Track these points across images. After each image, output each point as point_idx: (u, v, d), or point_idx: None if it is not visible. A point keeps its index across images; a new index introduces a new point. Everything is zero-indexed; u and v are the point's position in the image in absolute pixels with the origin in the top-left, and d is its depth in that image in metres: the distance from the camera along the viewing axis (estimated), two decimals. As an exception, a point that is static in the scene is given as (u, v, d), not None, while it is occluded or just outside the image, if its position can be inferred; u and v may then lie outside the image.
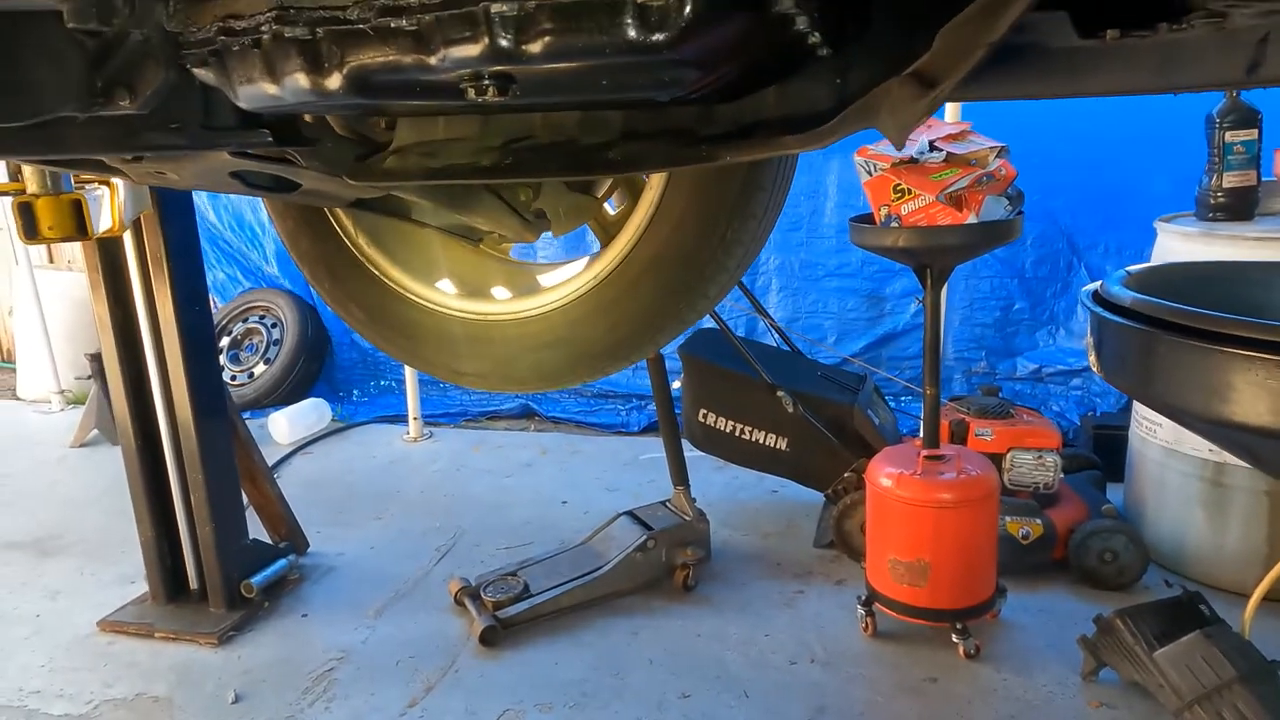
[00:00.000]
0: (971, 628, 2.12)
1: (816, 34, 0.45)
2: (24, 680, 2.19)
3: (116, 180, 1.54)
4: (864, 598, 2.23)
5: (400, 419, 4.01)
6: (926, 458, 2.10)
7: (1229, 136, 2.31)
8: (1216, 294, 0.90)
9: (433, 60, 0.36)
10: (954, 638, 2.11)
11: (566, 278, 1.10)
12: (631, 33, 0.34)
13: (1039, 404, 3.58)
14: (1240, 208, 2.35)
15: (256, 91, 0.42)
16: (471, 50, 0.35)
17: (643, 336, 1.03)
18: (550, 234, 1.18)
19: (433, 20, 0.35)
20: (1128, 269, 0.89)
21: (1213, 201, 2.38)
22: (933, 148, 1.91)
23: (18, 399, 4.78)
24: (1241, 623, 1.90)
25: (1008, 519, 2.38)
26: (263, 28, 0.37)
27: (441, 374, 1.19)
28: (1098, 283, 0.85)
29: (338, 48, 0.38)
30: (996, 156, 1.91)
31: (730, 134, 0.58)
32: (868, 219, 2.06)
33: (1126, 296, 0.76)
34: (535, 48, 0.34)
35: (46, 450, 3.95)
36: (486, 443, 3.84)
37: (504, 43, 0.34)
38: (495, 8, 0.35)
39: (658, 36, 0.34)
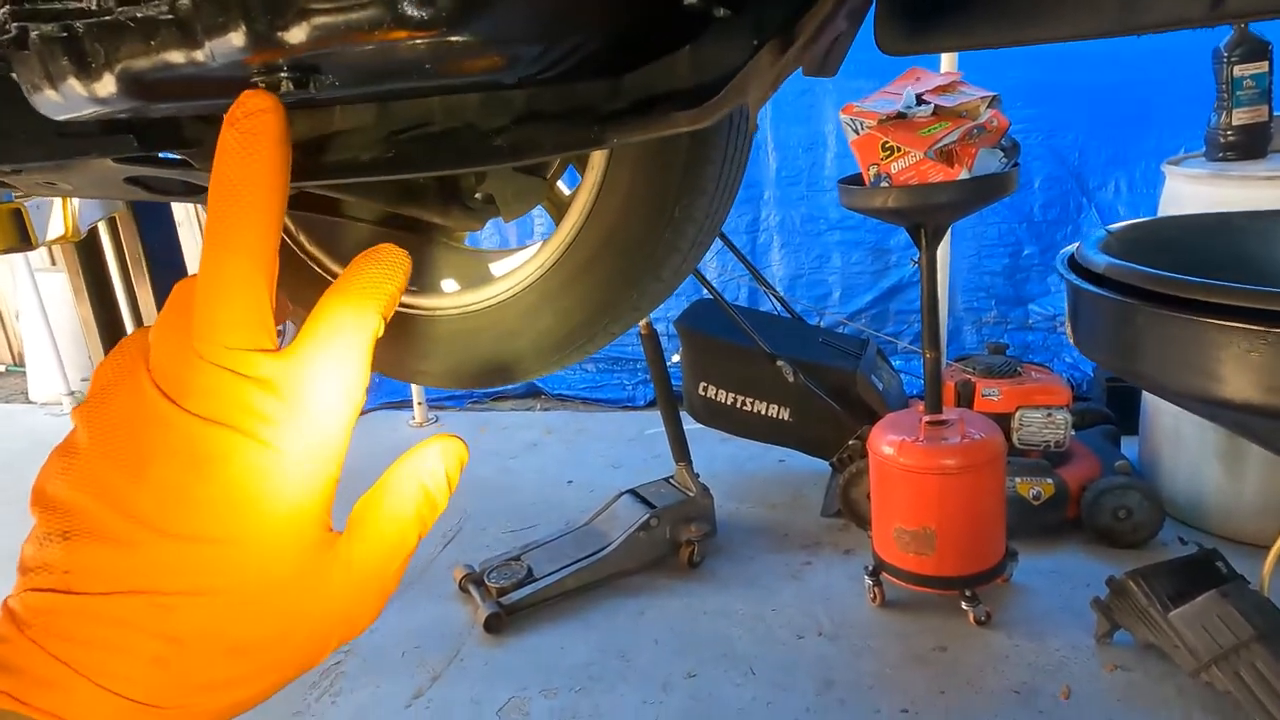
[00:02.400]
0: (982, 593, 2.08)
1: None
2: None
3: (70, 184, 1.49)
4: (871, 568, 2.19)
5: (406, 404, 4.00)
6: (929, 423, 2.05)
7: (1238, 71, 2.20)
8: (1207, 249, 0.83)
9: (200, 55, 0.31)
10: (963, 605, 2.07)
11: (517, 265, 1.04)
12: (408, 9, 0.29)
13: (1051, 355, 3.49)
14: (1252, 145, 2.24)
15: (44, 100, 0.37)
16: (234, 40, 0.30)
17: (595, 325, 0.97)
18: (501, 220, 1.12)
19: (189, 6, 0.30)
20: (1108, 228, 0.82)
21: (1223, 140, 2.27)
22: (920, 101, 1.82)
23: (30, 402, 4.82)
24: (1260, 578, 1.84)
25: (1018, 480, 2.32)
26: (9, 26, 0.33)
27: (394, 373, 1.14)
28: (1075, 245, 0.78)
29: (100, 45, 0.33)
30: (988, 107, 1.82)
31: (628, 111, 0.52)
32: (858, 179, 1.98)
33: (1101, 262, 0.69)
34: (298, 36, 0.29)
35: (59, 453, 3.97)
36: (492, 424, 3.82)
37: (260, 28, 0.29)
38: None
39: (424, 14, 0.29)
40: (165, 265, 2.24)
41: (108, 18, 0.31)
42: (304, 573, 0.31)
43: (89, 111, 0.36)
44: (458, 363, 1.09)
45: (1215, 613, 1.71)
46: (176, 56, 0.32)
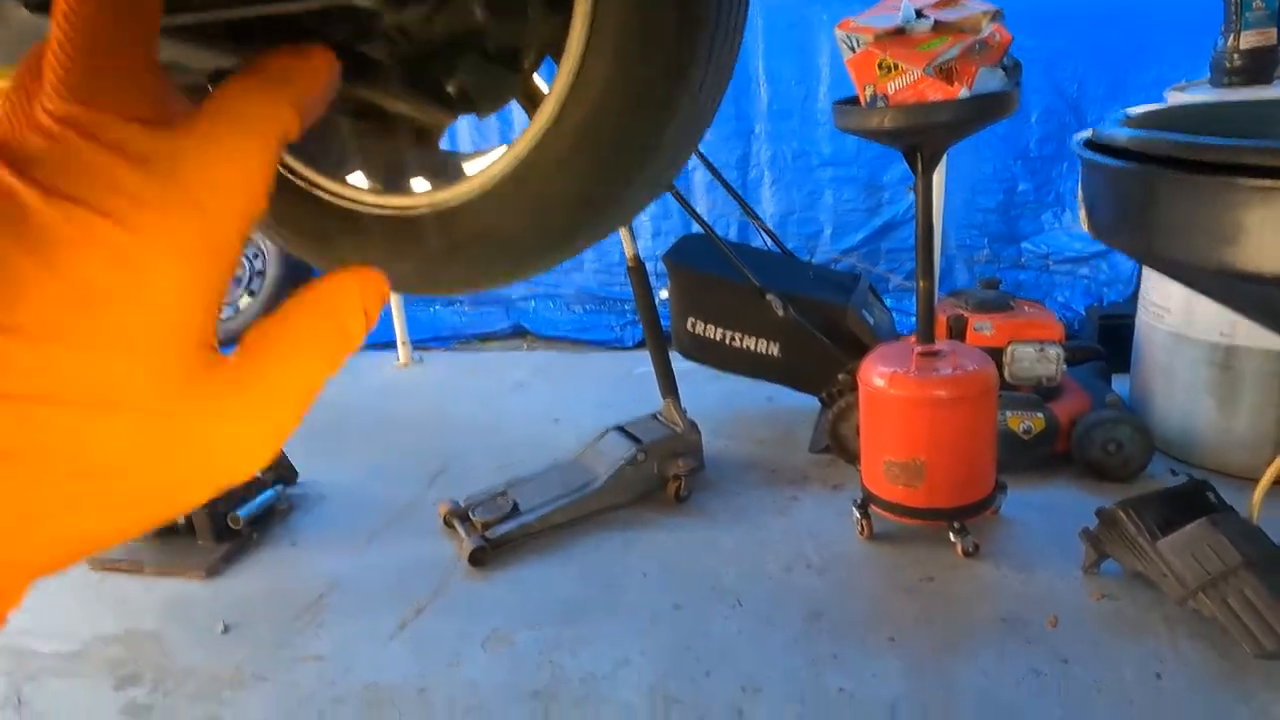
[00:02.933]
0: (971, 526, 2.07)
1: None
2: (15, 620, 2.16)
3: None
4: (859, 501, 2.18)
5: (389, 345, 3.93)
6: (920, 354, 2.01)
7: (1248, -10, 2.12)
8: (1231, 133, 0.77)
9: None
10: (952, 537, 2.05)
11: (490, 161, 0.96)
12: None
13: (1044, 293, 3.46)
14: (1259, 70, 2.17)
15: None
16: None
17: (576, 226, 0.89)
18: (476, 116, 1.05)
19: None
20: (1126, 110, 0.77)
21: (1229, 65, 2.20)
22: (919, 15, 1.74)
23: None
24: (1249, 508, 1.83)
25: (1008, 414, 2.29)
26: None
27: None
28: (1089, 130, 0.73)
29: None
30: (990, 21, 1.74)
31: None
32: (853, 102, 1.91)
33: (1124, 135, 0.64)
34: None
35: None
36: (479, 364, 3.77)
37: None
38: None
39: None
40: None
41: None
42: (177, 390, 0.24)
43: None
44: (431, 265, 1.03)
45: (1205, 541, 1.70)
46: None
